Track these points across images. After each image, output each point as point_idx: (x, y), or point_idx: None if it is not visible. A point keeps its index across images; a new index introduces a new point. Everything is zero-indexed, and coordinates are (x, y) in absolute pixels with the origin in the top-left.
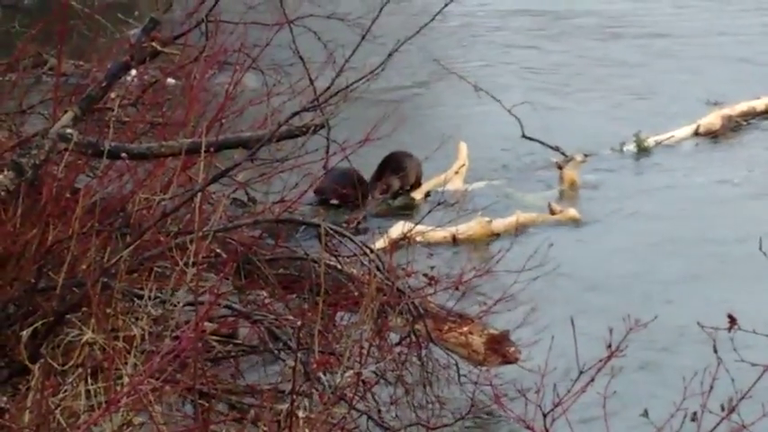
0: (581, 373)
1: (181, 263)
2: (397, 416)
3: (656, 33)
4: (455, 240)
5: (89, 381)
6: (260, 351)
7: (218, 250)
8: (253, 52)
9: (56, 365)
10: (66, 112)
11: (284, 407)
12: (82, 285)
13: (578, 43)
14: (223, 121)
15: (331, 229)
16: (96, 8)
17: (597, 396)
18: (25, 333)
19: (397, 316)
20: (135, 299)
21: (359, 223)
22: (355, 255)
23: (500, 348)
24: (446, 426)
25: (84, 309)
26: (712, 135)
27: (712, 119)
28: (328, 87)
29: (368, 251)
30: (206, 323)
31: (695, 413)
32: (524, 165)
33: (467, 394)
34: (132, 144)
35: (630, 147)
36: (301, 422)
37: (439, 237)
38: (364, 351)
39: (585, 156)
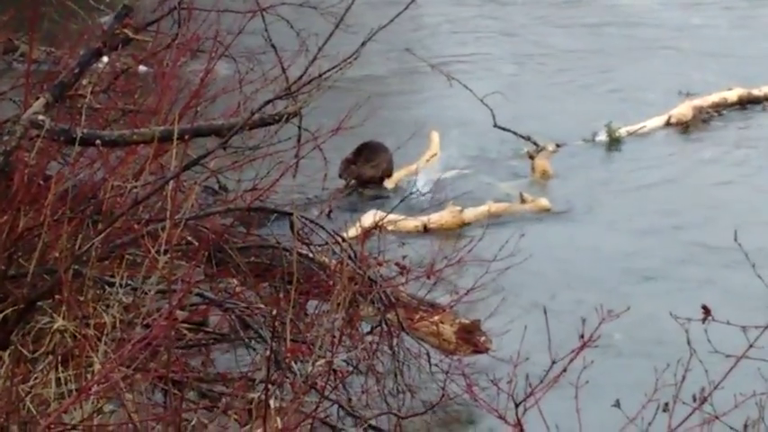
0: (553, 363)
1: (152, 250)
2: (367, 405)
3: (628, 24)
4: (426, 230)
5: (59, 368)
6: (231, 339)
7: (189, 238)
8: (225, 40)
9: (26, 353)
10: (37, 98)
11: (255, 395)
12: (53, 272)
13: (550, 33)
14: (195, 108)
15: (302, 217)
16: None
17: (569, 386)
18: None
19: (369, 305)
20: (106, 286)
21: (330, 212)
22: (327, 244)
23: (471, 338)
24: (417, 415)
25: (55, 296)
26: (684, 126)
27: (684, 109)
28: (301, 76)
29: (339, 240)
30: (177, 311)
31: (667, 404)
32: (496, 154)
33: (438, 383)
34: (104, 131)
35: (602, 137)
36: (273, 412)
37: (410, 226)
38: (336, 340)
39: (557, 145)
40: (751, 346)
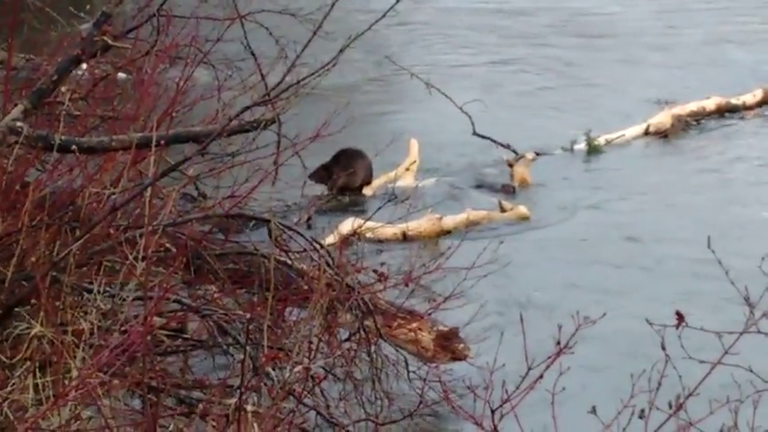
0: (529, 369)
1: (130, 257)
2: (345, 411)
3: (607, 33)
4: (405, 237)
5: (37, 374)
6: (209, 346)
7: (167, 245)
8: (204, 47)
9: (4, 359)
10: (16, 105)
11: (233, 401)
12: (31, 279)
13: (531, 42)
14: (174, 115)
15: (281, 224)
16: (47, 1)
17: (546, 393)
18: None
19: (347, 312)
20: (84, 293)
21: (309, 219)
22: (305, 250)
23: (449, 345)
24: (394, 422)
25: (32, 302)
26: (662, 135)
27: (662, 118)
28: (279, 83)
29: (318, 247)
30: (155, 317)
31: (643, 410)
32: (475, 162)
33: (416, 391)
34: (83, 138)
35: (581, 146)
36: (250, 417)
37: (389, 233)
38: (313, 346)
39: (536, 154)
40: (726, 352)
